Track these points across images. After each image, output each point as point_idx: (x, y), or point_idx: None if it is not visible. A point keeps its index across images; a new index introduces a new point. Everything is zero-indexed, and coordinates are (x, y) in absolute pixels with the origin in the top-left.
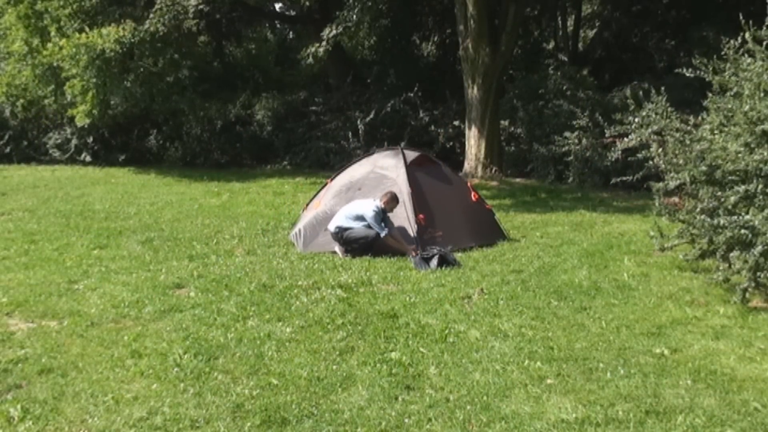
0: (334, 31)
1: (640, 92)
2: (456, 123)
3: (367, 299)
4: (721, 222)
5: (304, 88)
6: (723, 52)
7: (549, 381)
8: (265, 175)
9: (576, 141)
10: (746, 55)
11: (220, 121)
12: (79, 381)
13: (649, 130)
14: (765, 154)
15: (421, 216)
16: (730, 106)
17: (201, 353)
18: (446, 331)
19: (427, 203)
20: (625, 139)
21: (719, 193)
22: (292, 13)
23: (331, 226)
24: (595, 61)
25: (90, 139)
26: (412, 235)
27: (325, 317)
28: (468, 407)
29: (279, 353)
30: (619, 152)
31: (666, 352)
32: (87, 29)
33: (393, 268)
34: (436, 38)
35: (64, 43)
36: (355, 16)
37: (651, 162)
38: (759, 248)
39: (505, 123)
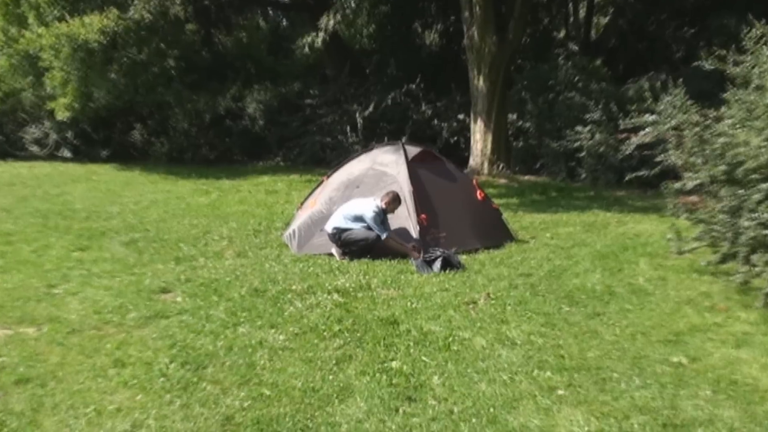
0: (332, 21)
1: (657, 84)
2: (461, 116)
3: (365, 305)
4: (744, 222)
5: (298, 80)
6: (743, 42)
7: (560, 392)
8: (257, 171)
9: (588, 136)
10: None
11: (209, 115)
12: (59, 392)
13: (667, 125)
14: None
15: (423, 216)
16: (752, 98)
17: (188, 362)
18: (450, 339)
19: (429, 202)
20: (641, 133)
21: (740, 192)
22: None
23: (328, 227)
24: (609, 51)
25: (70, 134)
26: (414, 236)
27: (321, 324)
28: (473, 420)
29: (272, 362)
30: (635, 147)
31: (684, 360)
32: (68, 17)
33: (393, 271)
34: (439, 26)
35: (44, 32)
36: (353, 2)
37: (668, 159)
38: None
39: (513, 116)
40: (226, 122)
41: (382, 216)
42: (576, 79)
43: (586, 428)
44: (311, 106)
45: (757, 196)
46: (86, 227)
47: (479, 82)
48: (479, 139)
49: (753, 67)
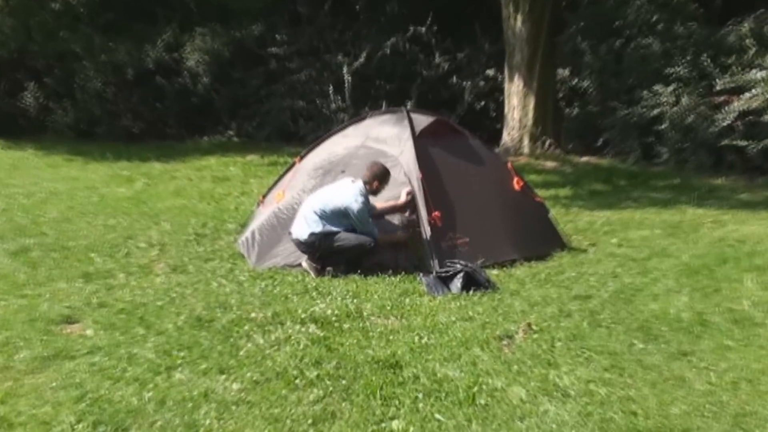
0: None
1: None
2: (490, 72)
3: (354, 340)
4: None
5: (259, 20)
6: None
7: None
8: (201, 151)
9: (672, 99)
10: None
11: (132, 70)
12: None
13: None
14: None
15: (436, 214)
16: None
17: (103, 422)
18: (475, 389)
19: (445, 194)
20: (746, 95)
21: None
22: None
23: (298, 232)
24: None
25: None
26: (426, 237)
27: (292, 367)
28: None
29: (222, 422)
30: (736, 116)
31: None
32: None
33: (394, 291)
34: None
35: None
36: None
37: None
38: None
39: (564, 72)
40: (157, 80)
41: (369, 204)
42: (654, 19)
43: None
44: (277, 57)
45: None
46: None
47: (516, 24)
48: (517, 105)
49: None
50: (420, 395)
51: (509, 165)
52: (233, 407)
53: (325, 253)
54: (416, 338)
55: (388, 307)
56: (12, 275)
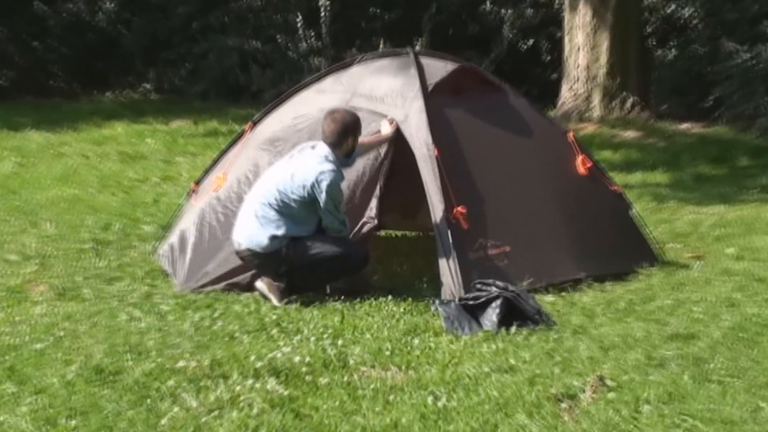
0: None
1: None
2: None
3: (336, 402)
4: None
5: None
6: None
7: None
8: (102, 114)
9: None
10: None
11: None
12: None
13: None
14: None
15: (459, 210)
16: None
17: None
18: None
19: (473, 180)
20: None
21: None
22: None
23: (249, 237)
24: None
25: None
26: (447, 252)
27: None
28: None
29: None
30: None
31: None
32: None
33: (395, 327)
34: None
35: None
36: None
37: None
38: None
39: None
40: (35, 7)
41: (342, 178)
42: None
43: None
44: None
45: None
46: None
47: None
48: (583, 45)
49: None
50: None
51: (571, 136)
52: None
53: (294, 269)
54: (430, 399)
55: (387, 352)
56: None
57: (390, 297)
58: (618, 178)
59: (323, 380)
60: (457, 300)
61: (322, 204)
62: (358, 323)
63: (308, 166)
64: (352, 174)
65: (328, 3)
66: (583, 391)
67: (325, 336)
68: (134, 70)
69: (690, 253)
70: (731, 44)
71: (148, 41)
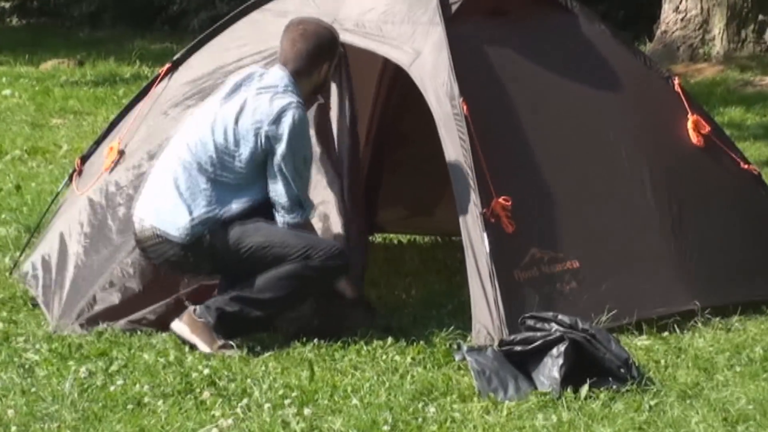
0: None
1: None
2: None
3: None
4: None
5: None
6: None
7: None
8: None
9: None
10: None
11: None
12: None
13: None
14: None
15: (501, 201)
16: None
17: None
18: None
19: (520, 156)
20: None
21: None
22: None
23: (158, 215)
24: None
25: None
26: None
27: None
28: None
29: None
30: None
31: None
32: None
33: (397, 387)
34: None
35: None
36: None
37: None
38: None
39: None
40: None
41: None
42: None
43: None
44: None
45: None
46: None
47: None
48: None
49: None
50: None
51: (677, 83)
52: None
53: (227, 276)
54: None
55: (386, 428)
56: None
57: (390, 339)
58: (753, 151)
59: None
60: (496, 345)
61: (277, 157)
62: (338, 381)
63: (260, 101)
64: None
65: None
66: None
67: (287, 401)
68: None
69: None
70: None
71: None
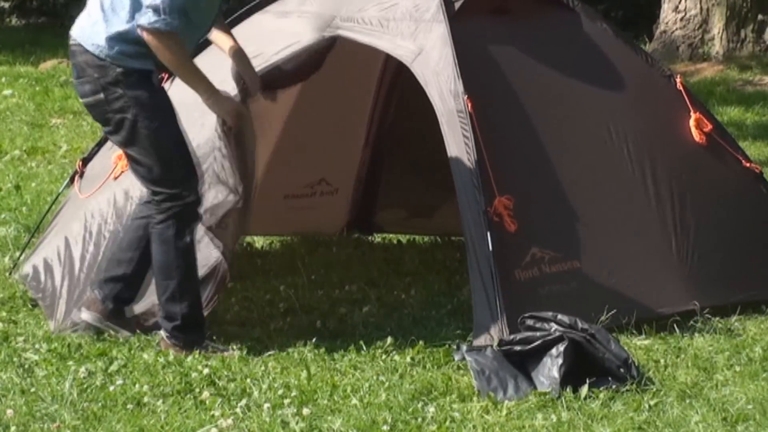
0: None
1: None
2: None
3: None
4: None
5: None
6: None
7: None
8: None
9: None
10: None
11: None
12: None
13: None
14: None
15: (504, 201)
16: None
17: None
18: None
19: (523, 155)
20: None
21: None
22: None
23: (80, 30)
24: None
25: None
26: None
27: None
28: None
29: None
30: None
31: None
32: None
33: (397, 386)
34: None
35: None
36: None
37: None
38: None
39: None
40: None
41: None
42: None
43: None
44: None
45: None
46: None
47: None
48: None
49: None
50: None
51: (679, 81)
52: None
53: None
54: None
55: (386, 428)
56: None
57: (389, 339)
58: (753, 151)
59: None
60: (496, 344)
61: None
62: (338, 381)
63: None
64: None
65: None
66: None
67: (287, 401)
68: None
69: None
70: None
71: None
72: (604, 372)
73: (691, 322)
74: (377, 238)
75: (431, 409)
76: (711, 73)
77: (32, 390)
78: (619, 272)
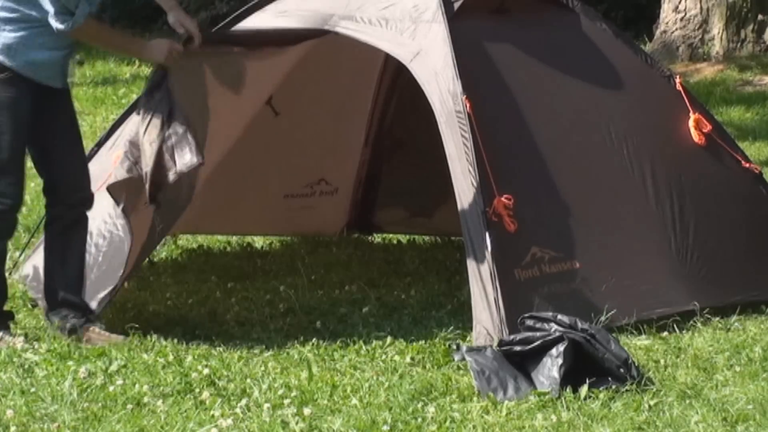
0: None
1: None
2: None
3: None
4: None
5: None
6: None
7: None
8: None
9: None
10: None
11: None
12: None
13: None
14: None
15: (504, 200)
16: None
17: None
18: None
19: (522, 155)
20: None
21: None
22: None
23: None
24: None
25: None
26: (483, 260)
27: None
28: None
29: None
30: None
31: None
32: None
33: (397, 386)
34: None
35: None
36: None
37: None
38: None
39: None
40: None
41: None
42: None
43: None
44: None
45: None
46: None
47: None
48: None
49: None
50: None
51: (678, 82)
52: None
53: None
54: None
55: (386, 428)
56: None
57: (389, 339)
58: (752, 151)
59: None
60: (496, 344)
61: None
62: (338, 381)
63: None
64: None
65: None
66: None
67: (287, 401)
68: None
69: None
70: None
71: None
72: (604, 372)
73: (691, 322)
74: (377, 238)
75: (431, 409)
76: (711, 74)
77: (32, 390)
78: (619, 272)
